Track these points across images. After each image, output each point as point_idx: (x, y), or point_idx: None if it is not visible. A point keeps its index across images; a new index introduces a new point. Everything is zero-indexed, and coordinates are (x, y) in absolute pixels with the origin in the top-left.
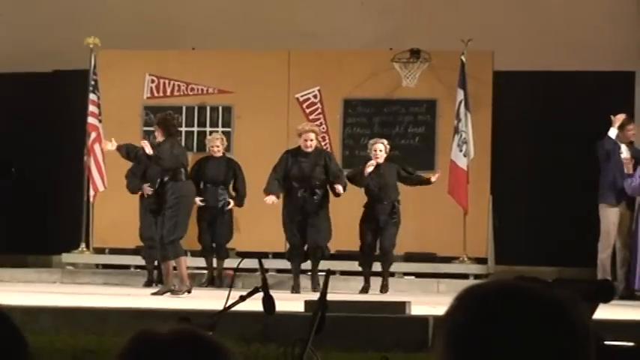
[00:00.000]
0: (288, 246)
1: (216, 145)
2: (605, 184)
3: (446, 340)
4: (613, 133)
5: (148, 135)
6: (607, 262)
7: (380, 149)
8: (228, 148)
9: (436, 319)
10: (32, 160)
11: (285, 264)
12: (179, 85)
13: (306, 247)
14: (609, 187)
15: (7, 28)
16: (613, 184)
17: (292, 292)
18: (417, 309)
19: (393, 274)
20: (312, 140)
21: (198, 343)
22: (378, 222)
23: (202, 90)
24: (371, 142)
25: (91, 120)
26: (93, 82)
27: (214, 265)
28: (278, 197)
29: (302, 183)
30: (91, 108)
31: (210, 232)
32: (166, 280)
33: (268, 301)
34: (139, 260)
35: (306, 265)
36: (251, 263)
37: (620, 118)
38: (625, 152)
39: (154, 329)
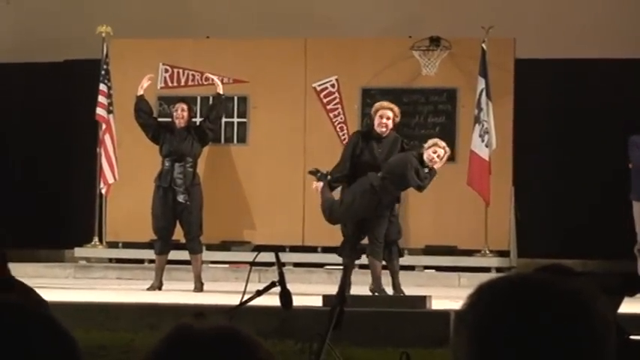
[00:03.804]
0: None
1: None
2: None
3: (467, 334)
4: None
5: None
6: None
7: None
8: (243, 139)
9: (456, 314)
10: (44, 151)
11: (303, 257)
12: (193, 75)
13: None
14: None
15: (18, 17)
16: None
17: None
18: (437, 303)
19: (412, 268)
20: (388, 119)
21: (237, 339)
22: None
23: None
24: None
25: (99, 111)
26: (103, 72)
27: None
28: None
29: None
30: (100, 99)
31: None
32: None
33: (285, 296)
34: (152, 254)
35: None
36: (267, 257)
37: None
38: None
39: (192, 324)
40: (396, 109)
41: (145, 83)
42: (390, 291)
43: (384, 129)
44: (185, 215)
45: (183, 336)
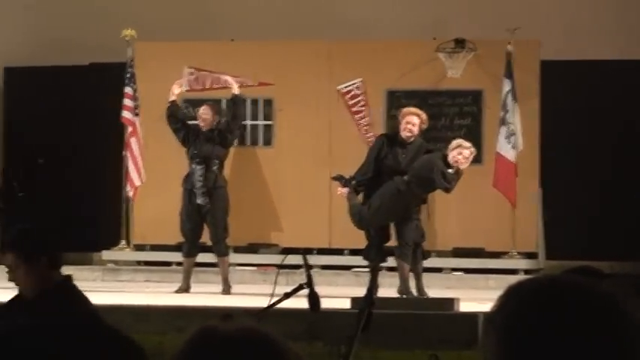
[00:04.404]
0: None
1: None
2: None
3: (496, 336)
4: None
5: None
6: None
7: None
8: (269, 141)
9: (485, 316)
10: (71, 155)
11: (330, 260)
12: (218, 78)
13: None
14: None
15: (43, 20)
16: None
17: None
18: (465, 306)
19: (440, 270)
20: (414, 125)
21: (262, 340)
22: None
23: (242, 82)
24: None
25: (125, 114)
26: (129, 75)
27: None
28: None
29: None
30: (126, 101)
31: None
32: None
33: (313, 298)
34: (180, 257)
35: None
36: (295, 259)
37: None
38: None
39: (217, 326)
40: (423, 115)
41: (176, 90)
42: (414, 293)
43: (409, 134)
44: (209, 218)
45: (208, 337)
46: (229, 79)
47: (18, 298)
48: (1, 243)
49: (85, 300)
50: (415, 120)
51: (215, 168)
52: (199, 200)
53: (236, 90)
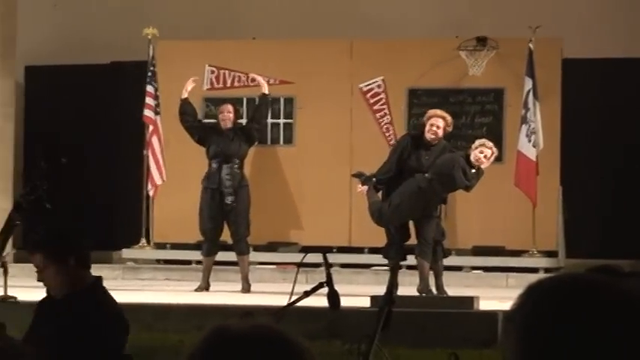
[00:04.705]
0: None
1: None
2: None
3: (516, 334)
4: None
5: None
6: None
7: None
8: (290, 140)
9: (505, 314)
10: (92, 153)
11: (350, 258)
12: (239, 76)
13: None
14: None
15: (65, 19)
16: None
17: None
18: (485, 304)
19: (460, 268)
20: (438, 128)
21: (276, 338)
22: None
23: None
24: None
25: (147, 112)
26: (150, 74)
27: None
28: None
29: None
30: (148, 100)
31: None
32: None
33: (333, 297)
34: (200, 255)
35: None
36: (315, 258)
37: None
38: None
39: (230, 324)
40: (448, 118)
41: (190, 86)
42: (434, 292)
43: (433, 136)
44: (232, 216)
45: (222, 336)
46: (259, 78)
47: (48, 299)
48: (29, 243)
49: (114, 303)
50: (440, 122)
51: (236, 166)
52: (228, 200)
53: (266, 89)
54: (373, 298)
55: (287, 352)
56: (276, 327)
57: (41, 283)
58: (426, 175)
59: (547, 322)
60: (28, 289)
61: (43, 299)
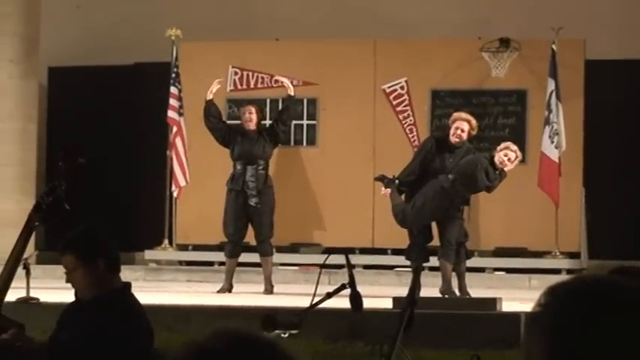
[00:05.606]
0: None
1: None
2: None
3: (539, 335)
4: None
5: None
6: None
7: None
8: (313, 141)
9: (529, 315)
10: (115, 154)
11: (372, 260)
12: (262, 78)
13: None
14: None
15: (88, 20)
16: None
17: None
18: (508, 305)
19: (482, 270)
20: (463, 131)
21: (247, 348)
22: None
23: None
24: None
25: (171, 114)
26: (174, 75)
27: None
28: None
29: None
30: (172, 101)
31: None
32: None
33: (356, 298)
34: (222, 257)
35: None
36: (337, 259)
37: None
38: None
39: (200, 342)
40: (473, 121)
41: (215, 87)
42: (456, 293)
43: (457, 140)
44: (257, 218)
45: (193, 354)
46: (285, 80)
47: (77, 302)
48: (60, 244)
49: (140, 310)
50: (465, 126)
51: (261, 168)
52: (252, 201)
53: (291, 91)
54: (396, 300)
55: (263, 355)
56: (254, 335)
57: (64, 285)
58: (449, 175)
59: (571, 323)
60: (50, 290)
61: (71, 303)
